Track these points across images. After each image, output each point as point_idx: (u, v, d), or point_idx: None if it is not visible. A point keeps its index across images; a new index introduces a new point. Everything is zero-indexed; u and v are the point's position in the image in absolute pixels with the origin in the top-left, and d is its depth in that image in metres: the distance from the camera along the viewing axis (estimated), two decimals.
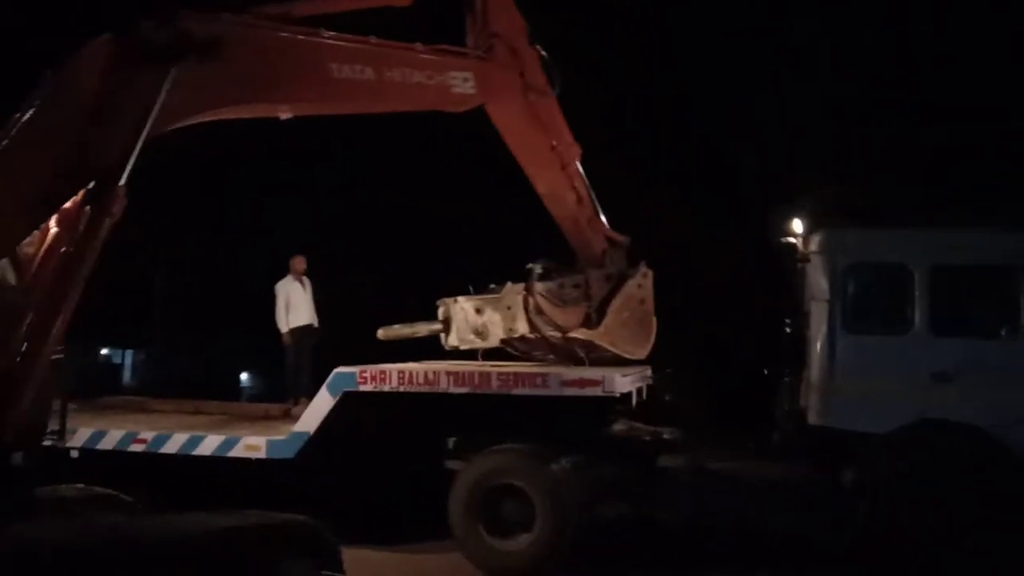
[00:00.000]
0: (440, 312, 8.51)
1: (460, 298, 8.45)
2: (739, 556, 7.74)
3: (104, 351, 20.57)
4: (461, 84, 8.42)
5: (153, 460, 8.18)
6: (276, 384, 17.07)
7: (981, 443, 7.07)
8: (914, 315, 7.34)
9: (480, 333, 8.33)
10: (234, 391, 19.15)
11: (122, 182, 5.75)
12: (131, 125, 5.73)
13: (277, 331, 10.75)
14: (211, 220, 19.69)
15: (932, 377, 7.22)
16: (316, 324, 10.85)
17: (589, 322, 8.57)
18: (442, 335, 8.46)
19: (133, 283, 19.28)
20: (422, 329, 8.53)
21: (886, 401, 7.30)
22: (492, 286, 8.78)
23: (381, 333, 8.35)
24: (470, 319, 8.34)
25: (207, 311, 20.26)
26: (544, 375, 7.75)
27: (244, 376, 21.92)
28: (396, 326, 8.48)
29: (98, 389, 11.35)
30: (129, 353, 21.62)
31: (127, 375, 21.04)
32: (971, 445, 7.10)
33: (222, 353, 21.27)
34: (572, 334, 8.47)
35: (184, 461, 8.13)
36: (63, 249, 5.71)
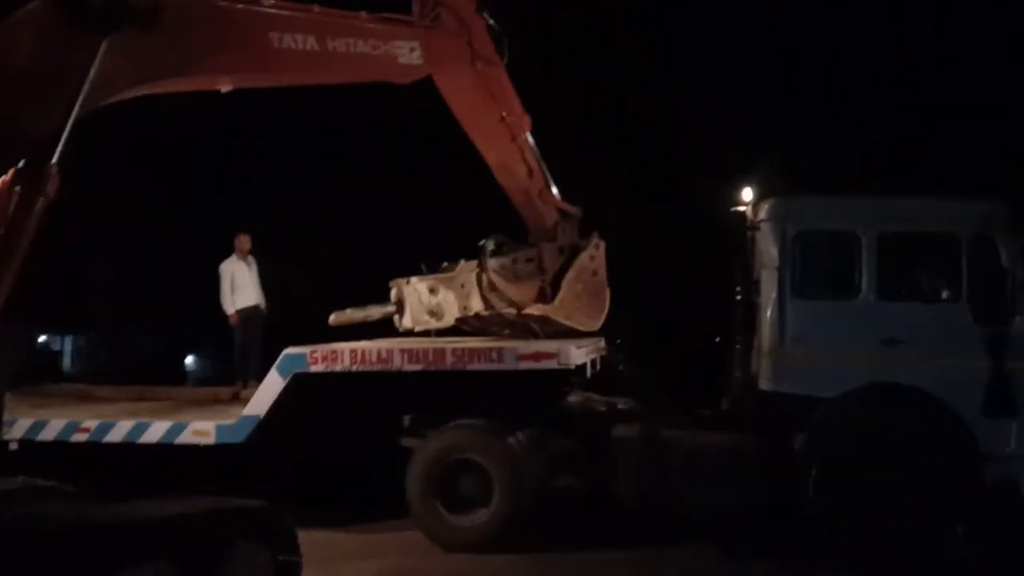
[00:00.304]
0: (392, 294, 8.36)
1: (413, 279, 8.31)
2: (693, 527, 7.84)
3: (42, 337, 19.91)
4: (408, 54, 8.25)
5: (97, 450, 7.94)
6: (223, 366, 16.77)
7: (929, 406, 7.21)
8: (862, 281, 7.44)
9: (435, 313, 8.24)
10: (179, 375, 18.73)
11: (55, 160, 5.50)
12: (65, 98, 5.48)
13: (223, 312, 10.49)
14: (149, 199, 19.11)
15: (880, 342, 7.34)
16: (263, 305, 10.61)
17: (544, 296, 8.53)
18: (396, 317, 8.31)
19: (70, 266, 18.66)
20: (375, 312, 8.39)
21: (836, 366, 7.41)
22: (445, 264, 8.67)
23: (333, 319, 8.19)
24: (424, 299, 8.22)
25: (148, 293, 19.74)
26: (499, 350, 7.71)
27: (189, 359, 21.45)
28: (348, 311, 8.31)
29: (37, 377, 10.95)
30: (68, 339, 20.97)
31: (67, 361, 20.42)
32: (919, 408, 7.24)
33: (165, 336, 20.79)
34: (528, 310, 8.43)
35: (130, 449, 7.91)
36: None
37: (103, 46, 5.68)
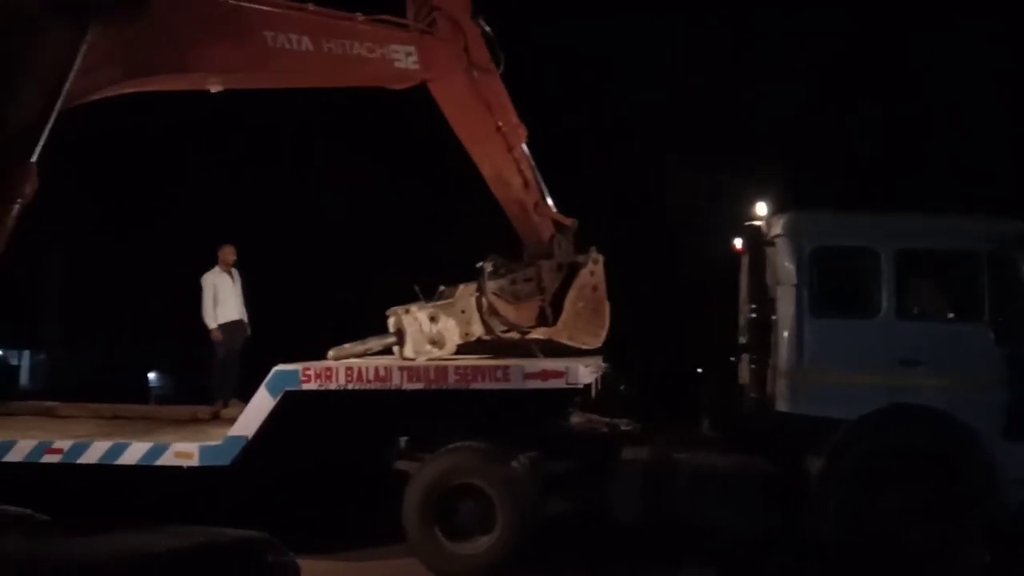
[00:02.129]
0: (391, 323, 8.02)
1: (412, 307, 7.98)
2: (703, 551, 7.57)
3: None
4: (404, 59, 8.02)
5: (64, 471, 7.40)
6: (187, 383, 16.19)
7: (950, 428, 7.00)
8: (881, 299, 7.23)
9: (436, 342, 7.93)
10: (142, 392, 18.04)
11: (34, 159, 5.06)
12: (45, 91, 5.05)
13: (200, 327, 9.98)
14: (115, 208, 18.46)
15: (900, 362, 7.12)
16: (246, 319, 10.13)
17: (545, 317, 8.33)
18: (396, 347, 7.95)
19: (28, 277, 17.95)
20: (375, 344, 8.05)
21: (854, 387, 7.17)
22: (442, 289, 8.35)
23: (332, 354, 7.85)
24: (425, 328, 7.91)
25: (109, 307, 19.08)
26: (505, 368, 7.34)
27: (152, 375, 20.74)
28: (347, 345, 7.97)
29: None
30: (27, 354, 20.14)
31: (25, 377, 19.59)
32: (939, 430, 7.02)
33: (127, 351, 20.12)
34: (532, 335, 8.22)
35: (98, 471, 7.38)
36: None
37: (87, 38, 5.26)
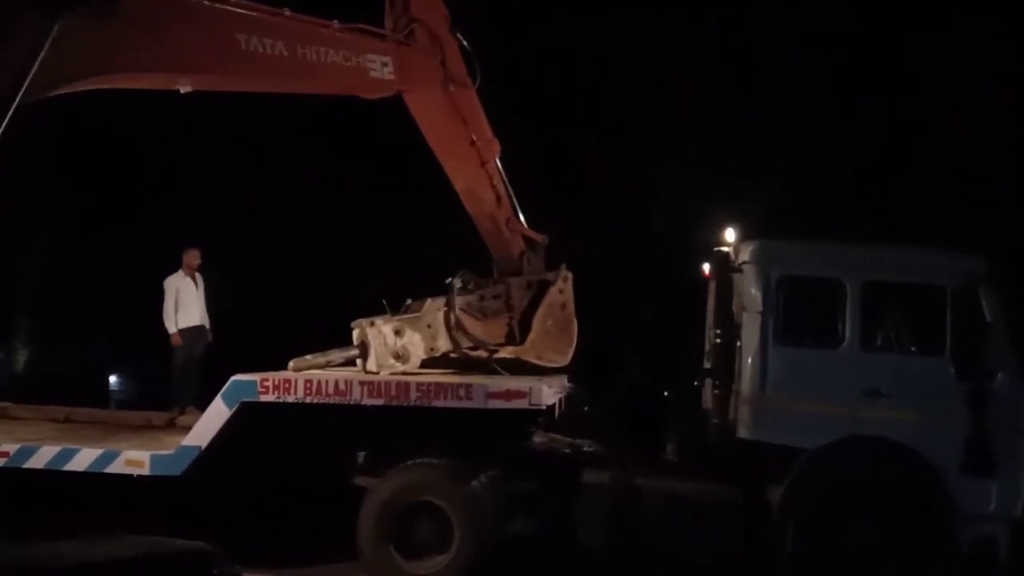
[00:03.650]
0: (355, 335, 7.91)
1: (378, 320, 7.87)
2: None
3: None
4: (379, 69, 8.00)
5: (13, 476, 7.19)
6: (147, 388, 15.89)
7: (909, 461, 7.01)
8: (845, 330, 7.24)
9: (400, 356, 7.82)
10: (102, 395, 17.68)
11: None
12: (8, 82, 4.92)
13: (160, 331, 9.80)
14: (77, 205, 18.12)
15: (862, 393, 7.14)
16: (208, 325, 9.96)
17: (512, 335, 8.27)
18: (359, 360, 7.85)
19: None
20: (336, 357, 7.94)
21: (816, 416, 7.17)
22: (409, 302, 8.25)
23: (292, 365, 7.73)
24: (389, 342, 7.81)
25: (71, 307, 18.70)
26: (468, 386, 7.27)
27: (113, 379, 20.36)
28: (308, 357, 7.85)
29: None
30: None
31: None
32: (899, 463, 7.04)
33: (88, 354, 19.72)
34: (499, 354, 8.18)
35: (50, 477, 7.18)
36: None
37: (54, 30, 5.15)
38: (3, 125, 4.94)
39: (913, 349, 7.40)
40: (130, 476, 7.23)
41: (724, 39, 16.10)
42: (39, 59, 5.02)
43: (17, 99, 4.93)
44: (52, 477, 7.19)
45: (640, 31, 16.48)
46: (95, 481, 7.20)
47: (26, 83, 5.00)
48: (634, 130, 16.08)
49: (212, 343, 10.03)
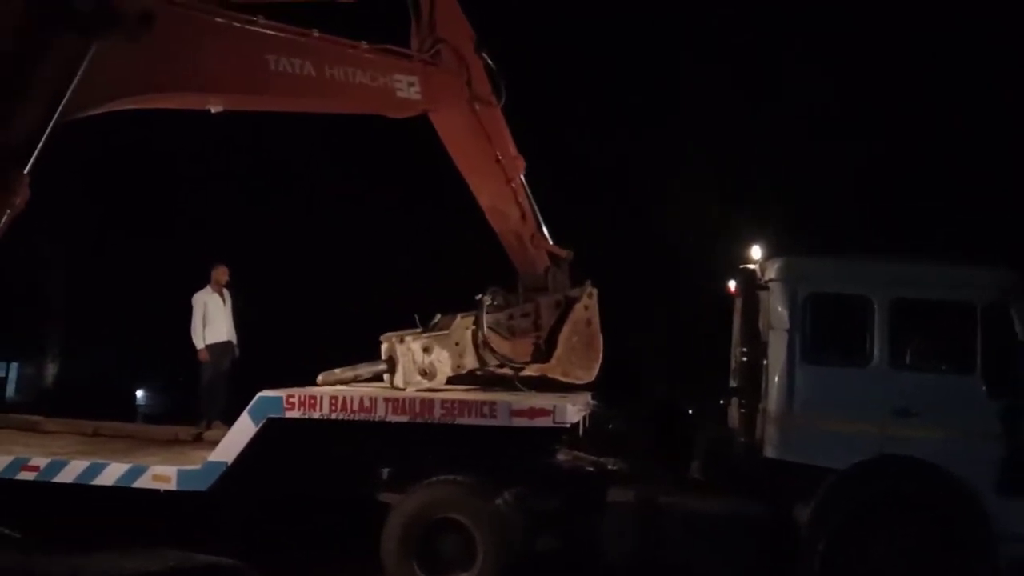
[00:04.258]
0: (384, 349, 7.96)
1: (407, 336, 7.91)
2: None
3: None
4: (406, 88, 8.08)
5: (43, 487, 7.26)
6: (174, 403, 16.03)
7: (941, 481, 6.89)
8: (874, 348, 7.16)
9: (427, 373, 7.86)
10: (129, 409, 17.87)
11: (26, 170, 5.03)
12: (44, 102, 5.02)
13: (188, 346, 9.90)
14: (111, 222, 18.40)
15: (892, 412, 7.04)
16: (235, 341, 10.05)
17: (539, 353, 8.27)
18: (386, 375, 7.88)
19: (21, 288, 17.83)
20: (364, 372, 8.01)
21: (845, 435, 7.08)
22: (438, 317, 8.28)
23: (321, 379, 7.80)
24: (417, 359, 7.86)
25: (102, 323, 18.95)
26: (492, 404, 7.24)
27: (140, 393, 20.58)
28: (336, 370, 7.91)
29: None
30: (15, 366, 19.97)
31: (11, 389, 19.40)
32: (931, 483, 6.92)
33: (116, 368, 19.96)
34: (525, 371, 8.19)
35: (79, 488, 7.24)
36: None
37: (91, 52, 5.25)
38: (39, 146, 5.03)
39: (943, 367, 7.28)
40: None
41: (742, 53, 16.11)
42: (75, 81, 5.10)
43: (53, 120, 5.03)
44: (79, 487, 7.24)
45: (660, 48, 16.55)
46: (119, 492, 7.23)
47: (62, 104, 5.09)
48: (657, 145, 16.10)
49: (239, 358, 10.10)
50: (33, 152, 5.02)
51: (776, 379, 7.27)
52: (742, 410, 7.56)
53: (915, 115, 15.26)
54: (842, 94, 15.30)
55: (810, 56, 15.63)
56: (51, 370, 19.81)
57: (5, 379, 19.40)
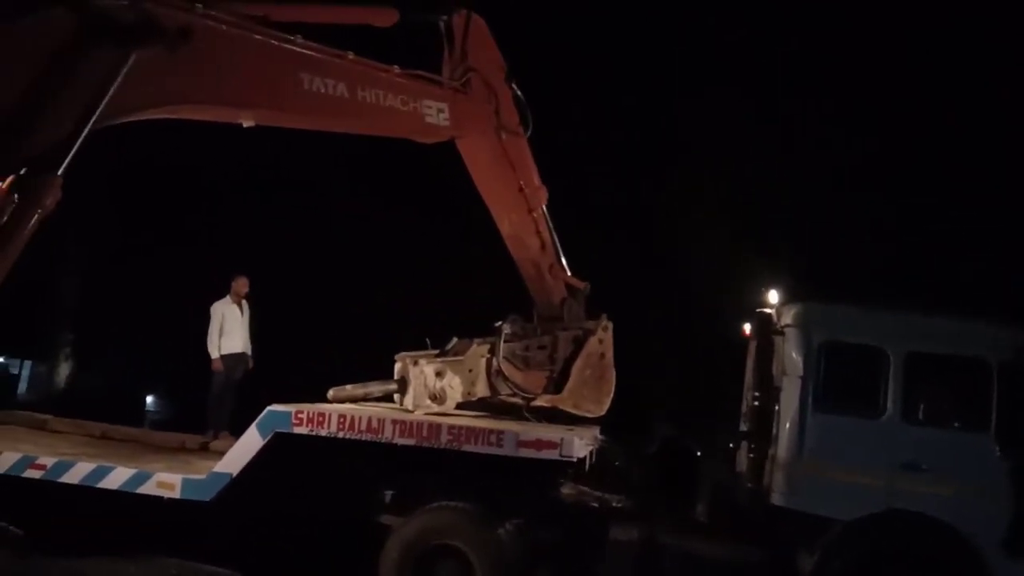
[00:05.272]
0: (397, 368, 7.96)
1: (421, 360, 7.92)
2: None
3: (1, 359, 19.09)
4: (435, 115, 8.14)
5: (49, 486, 7.28)
6: (182, 411, 16.05)
7: (947, 539, 6.81)
8: (887, 400, 7.12)
9: (437, 398, 7.84)
10: (138, 414, 17.93)
11: (60, 172, 5.11)
12: (81, 108, 5.12)
13: (203, 355, 9.95)
14: (134, 229, 18.59)
15: (902, 466, 6.99)
16: (250, 352, 10.09)
17: (551, 386, 8.26)
18: (396, 395, 7.89)
19: (37, 288, 17.98)
20: (375, 390, 8.01)
21: (853, 487, 7.03)
22: (454, 340, 8.28)
23: (331, 394, 7.81)
24: (429, 383, 7.85)
25: (117, 327, 19.07)
26: (499, 433, 7.22)
27: (149, 399, 20.65)
28: (348, 387, 7.91)
29: None
30: (28, 364, 20.11)
31: (23, 387, 19.52)
32: (936, 540, 6.84)
33: (126, 373, 20.04)
34: (536, 402, 8.15)
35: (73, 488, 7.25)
36: None
37: (128, 62, 5.35)
38: (73, 150, 5.12)
39: (956, 423, 7.24)
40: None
41: (767, 95, 16.21)
42: (112, 90, 5.19)
43: (87, 129, 5.11)
44: (81, 490, 7.24)
45: (685, 87, 16.67)
46: (111, 495, 7.22)
47: (98, 111, 5.17)
48: (679, 184, 16.17)
49: (251, 370, 10.14)
50: (67, 156, 5.09)
51: (787, 426, 7.24)
52: (751, 455, 7.52)
53: (940, 163, 15.24)
54: (867, 141, 15.31)
55: (836, 102, 15.70)
56: (63, 370, 19.90)
57: (17, 376, 19.54)
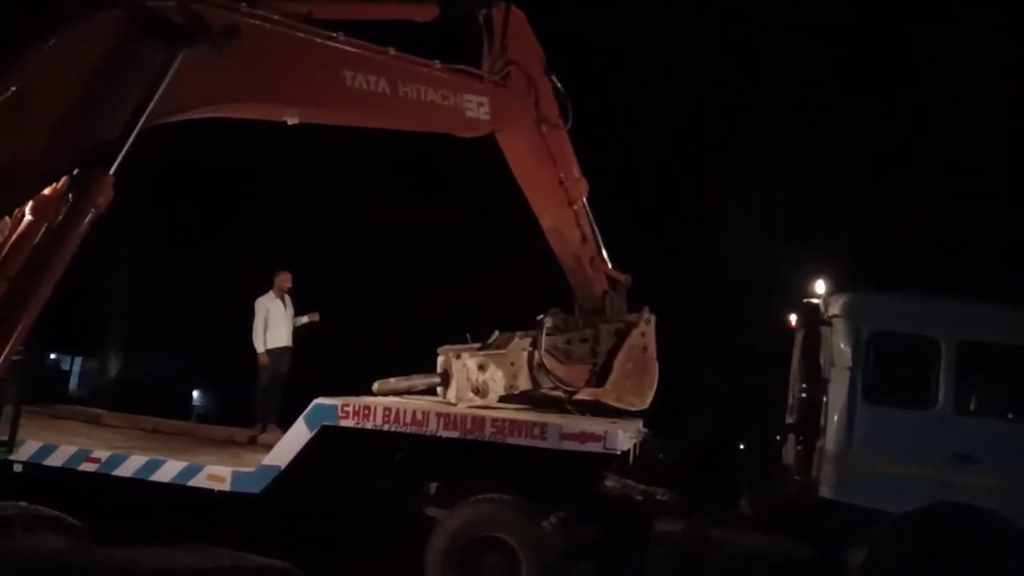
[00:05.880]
0: (440, 362, 8.04)
1: (464, 353, 7.98)
2: None
3: (52, 356, 19.54)
4: (475, 109, 8.12)
5: (102, 478, 7.46)
6: (228, 405, 16.29)
7: (1001, 532, 6.68)
8: (938, 391, 6.99)
9: (479, 391, 7.91)
10: (184, 409, 18.24)
11: (112, 170, 5.20)
12: (132, 107, 5.20)
13: (248, 349, 10.10)
14: (178, 226, 18.90)
15: (954, 458, 6.85)
16: (292, 347, 10.22)
17: (594, 379, 8.26)
18: (439, 388, 7.95)
19: (87, 285, 18.35)
20: (419, 383, 8.12)
21: (904, 479, 6.93)
22: (496, 334, 8.32)
23: (376, 387, 7.92)
24: (471, 376, 7.93)
25: (164, 322, 19.40)
26: (543, 426, 7.23)
27: (196, 394, 20.99)
28: (392, 380, 8.02)
29: (44, 396, 10.53)
30: (79, 360, 20.56)
31: (74, 383, 19.97)
32: (989, 533, 6.71)
33: (173, 367, 20.38)
34: (579, 395, 8.15)
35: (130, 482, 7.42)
36: (36, 240, 5.14)
37: (177, 60, 5.42)
38: (124, 149, 5.20)
39: (1010, 414, 7.08)
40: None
41: (812, 86, 15.98)
42: (160, 90, 5.27)
43: (139, 125, 5.19)
44: (129, 483, 7.41)
45: (730, 78, 16.50)
46: (169, 489, 7.38)
47: (148, 110, 5.26)
48: (723, 174, 16.00)
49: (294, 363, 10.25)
50: (118, 156, 5.18)
51: (836, 418, 7.15)
52: (799, 447, 7.44)
53: (989, 155, 14.91)
54: (917, 132, 15.02)
55: (884, 92, 15.43)
56: (112, 366, 20.30)
57: (69, 372, 19.98)
